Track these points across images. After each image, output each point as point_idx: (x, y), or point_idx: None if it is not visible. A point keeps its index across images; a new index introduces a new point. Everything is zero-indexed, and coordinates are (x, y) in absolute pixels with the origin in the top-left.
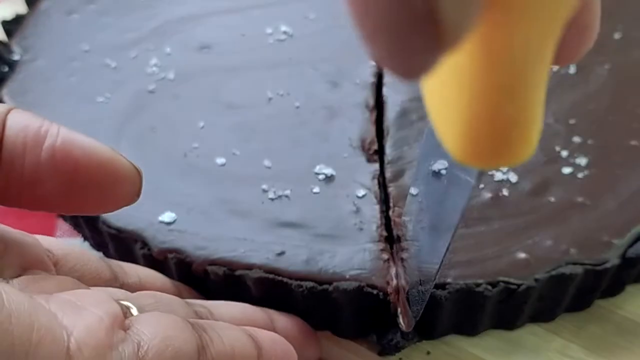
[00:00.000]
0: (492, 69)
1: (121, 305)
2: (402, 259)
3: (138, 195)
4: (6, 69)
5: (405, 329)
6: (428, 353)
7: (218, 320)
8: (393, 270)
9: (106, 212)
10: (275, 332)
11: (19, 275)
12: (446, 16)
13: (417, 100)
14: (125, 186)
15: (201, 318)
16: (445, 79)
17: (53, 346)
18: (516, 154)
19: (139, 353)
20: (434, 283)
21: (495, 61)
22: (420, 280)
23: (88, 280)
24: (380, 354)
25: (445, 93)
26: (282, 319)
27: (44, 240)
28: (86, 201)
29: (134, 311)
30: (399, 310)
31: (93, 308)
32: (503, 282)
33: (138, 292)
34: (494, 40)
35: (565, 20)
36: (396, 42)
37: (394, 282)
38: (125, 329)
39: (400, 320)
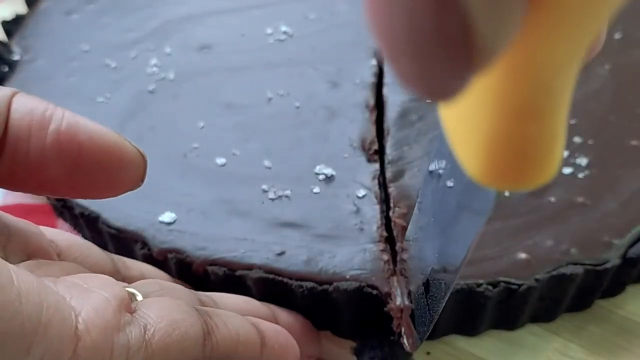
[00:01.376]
0: (516, 88)
1: (127, 291)
2: (403, 260)
3: (142, 180)
4: (6, 69)
5: (410, 350)
6: (428, 353)
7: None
8: (396, 288)
9: (110, 197)
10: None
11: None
12: (483, 36)
13: (418, 100)
14: (130, 170)
15: (205, 306)
16: (465, 99)
17: (62, 326)
18: (538, 175)
19: (146, 335)
20: (445, 301)
21: (520, 80)
22: (424, 286)
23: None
24: None
25: (466, 112)
26: (284, 315)
27: (48, 231)
28: (91, 185)
29: (139, 297)
30: (403, 330)
31: (100, 290)
32: (503, 282)
33: (142, 280)
34: (520, 59)
35: (594, 38)
36: (426, 63)
37: (398, 300)
38: (132, 312)
39: (405, 340)
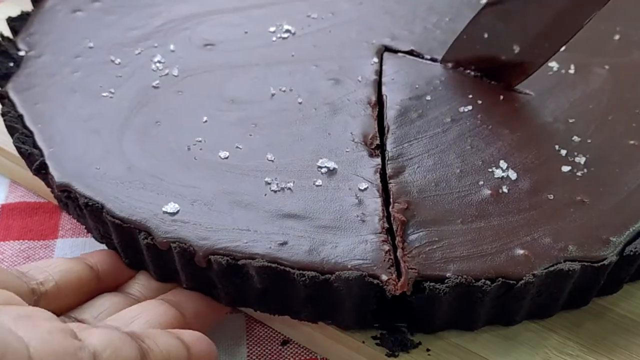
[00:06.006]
0: None
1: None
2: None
3: None
4: (12, 64)
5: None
6: (428, 351)
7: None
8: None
9: None
10: (187, 319)
11: None
12: None
13: (417, 98)
14: None
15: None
16: None
17: (15, 356)
18: None
19: None
20: None
21: None
22: None
23: None
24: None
25: None
26: (189, 306)
27: None
28: None
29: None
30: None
31: (45, 321)
32: (501, 277)
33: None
34: None
35: None
36: None
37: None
38: (78, 339)
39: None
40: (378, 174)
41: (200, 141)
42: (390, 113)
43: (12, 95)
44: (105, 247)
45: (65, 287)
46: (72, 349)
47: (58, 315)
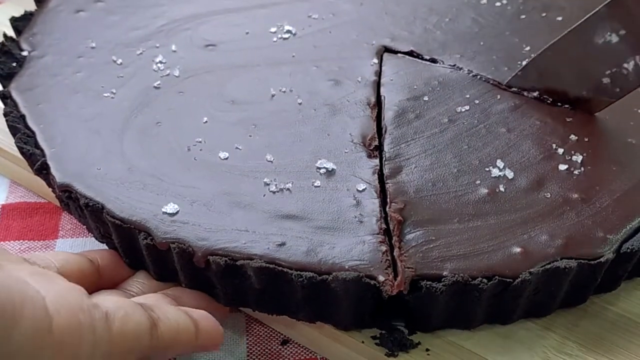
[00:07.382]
0: None
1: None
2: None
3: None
4: (15, 64)
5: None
6: (427, 350)
7: None
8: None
9: None
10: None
11: None
12: None
13: (415, 99)
14: None
15: None
16: None
17: (34, 307)
18: None
19: (108, 320)
20: None
21: None
22: None
23: None
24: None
25: None
26: (189, 302)
27: None
28: None
29: None
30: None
31: (60, 280)
32: (498, 275)
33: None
34: None
35: None
36: None
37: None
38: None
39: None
40: (376, 175)
41: (200, 142)
42: (388, 114)
43: (15, 95)
44: (106, 247)
45: (67, 276)
46: (86, 306)
47: None
